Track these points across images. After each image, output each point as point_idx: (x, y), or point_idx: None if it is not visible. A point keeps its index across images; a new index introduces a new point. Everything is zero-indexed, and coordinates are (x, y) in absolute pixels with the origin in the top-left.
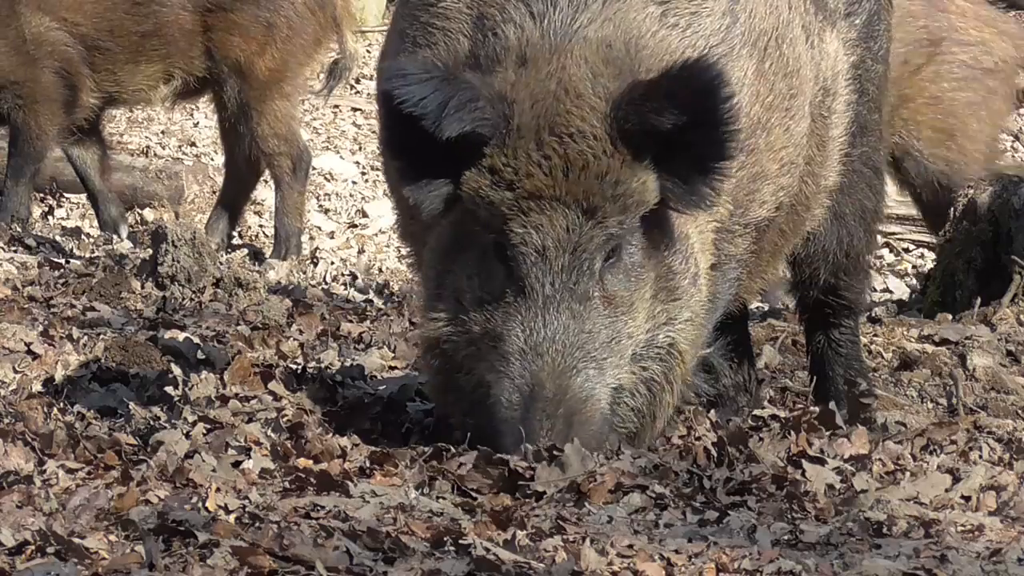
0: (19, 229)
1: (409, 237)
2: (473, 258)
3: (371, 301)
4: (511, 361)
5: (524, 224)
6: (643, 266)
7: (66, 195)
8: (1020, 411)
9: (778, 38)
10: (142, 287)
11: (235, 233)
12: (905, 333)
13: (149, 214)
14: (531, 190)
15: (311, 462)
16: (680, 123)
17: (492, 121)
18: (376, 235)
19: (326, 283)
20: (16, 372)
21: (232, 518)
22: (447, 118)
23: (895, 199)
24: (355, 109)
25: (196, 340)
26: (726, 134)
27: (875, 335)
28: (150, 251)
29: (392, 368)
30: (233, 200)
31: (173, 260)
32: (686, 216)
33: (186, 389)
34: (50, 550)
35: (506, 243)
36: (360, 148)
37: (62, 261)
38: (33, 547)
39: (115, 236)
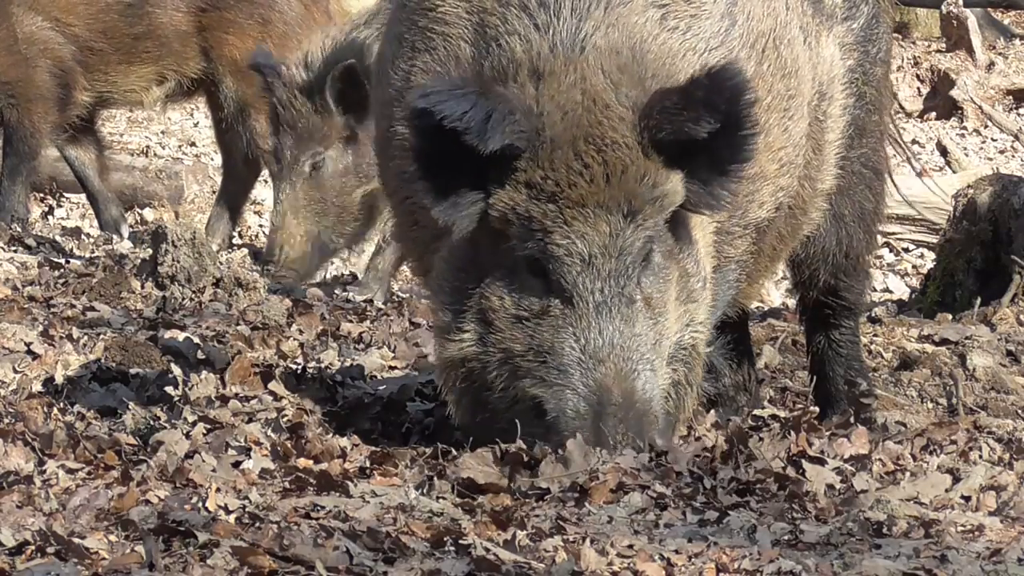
0: (19, 229)
1: (410, 242)
2: (503, 276)
3: (371, 301)
4: (570, 372)
5: (568, 235)
6: (667, 268)
7: (66, 195)
8: (1020, 411)
9: (776, 39)
10: (142, 287)
11: (235, 233)
12: (905, 333)
13: (149, 214)
14: (576, 199)
15: (311, 462)
16: (706, 129)
17: (527, 134)
18: (376, 235)
19: (326, 282)
20: (16, 372)
21: (232, 518)
22: (491, 130)
23: (895, 199)
24: None
25: (196, 340)
26: (749, 136)
27: (875, 335)
28: (150, 251)
29: (392, 368)
30: (232, 200)
31: (173, 260)
32: (693, 220)
33: (186, 389)
34: (50, 550)
35: (547, 256)
36: None
37: (62, 261)
38: (33, 547)
39: (116, 236)
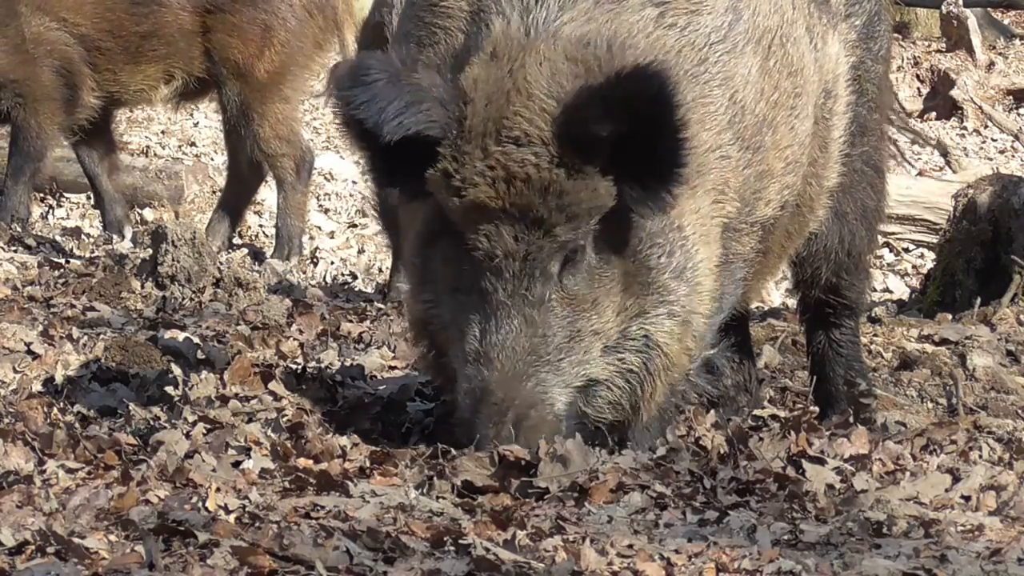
0: (19, 229)
1: (383, 217)
2: (449, 245)
3: (371, 301)
4: (468, 362)
5: (475, 231)
6: (608, 263)
7: (66, 195)
8: (1020, 411)
9: (782, 36)
10: (142, 287)
11: (235, 234)
12: (905, 333)
13: (149, 214)
14: (475, 200)
15: (311, 462)
16: (621, 131)
17: (440, 123)
18: (376, 235)
19: (326, 282)
20: (16, 372)
21: (232, 518)
22: (386, 123)
23: (896, 198)
24: None
25: (196, 340)
26: (674, 141)
27: (875, 335)
28: (150, 251)
29: (392, 368)
30: (235, 203)
31: (173, 260)
32: (681, 208)
33: (186, 389)
34: (50, 550)
35: (465, 242)
36: None
37: (62, 261)
38: (33, 547)
39: (117, 236)
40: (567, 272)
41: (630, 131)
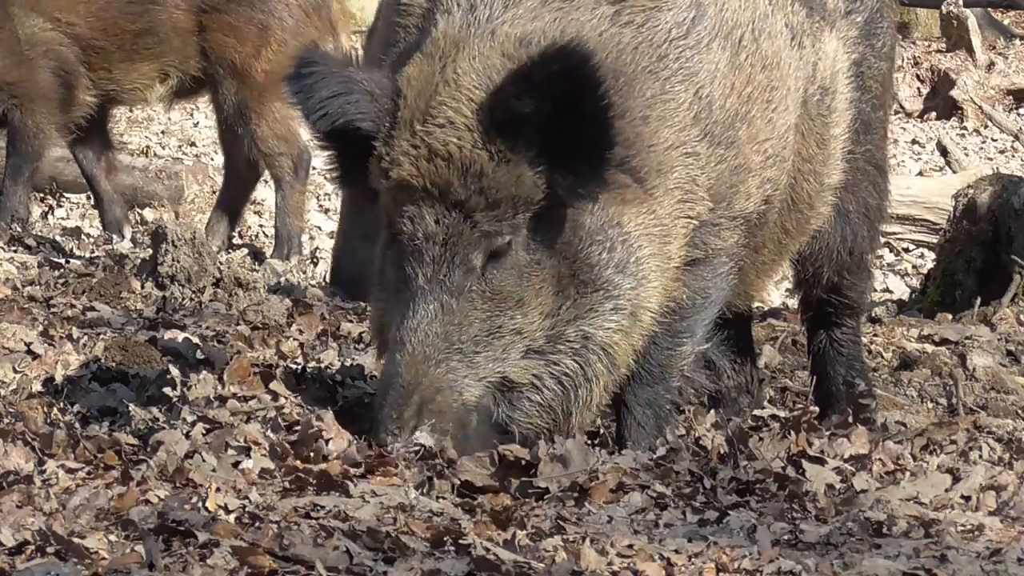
0: (19, 229)
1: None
2: (395, 248)
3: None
4: (389, 352)
5: (401, 214)
6: (540, 264)
7: (66, 195)
8: (1020, 411)
9: (755, 31)
10: (142, 287)
11: (235, 233)
12: (905, 333)
13: (149, 214)
14: (398, 179)
15: (311, 463)
16: (545, 110)
17: (369, 115)
18: None
19: (326, 282)
20: (16, 372)
21: (232, 518)
22: (315, 113)
23: (896, 198)
24: None
25: (196, 340)
26: (598, 120)
27: (875, 335)
28: (150, 251)
29: None
30: (233, 202)
31: (173, 260)
32: (622, 207)
33: (185, 389)
34: (50, 550)
35: (395, 232)
36: None
37: (62, 261)
38: (33, 547)
39: (116, 236)
40: (492, 267)
41: (554, 112)
